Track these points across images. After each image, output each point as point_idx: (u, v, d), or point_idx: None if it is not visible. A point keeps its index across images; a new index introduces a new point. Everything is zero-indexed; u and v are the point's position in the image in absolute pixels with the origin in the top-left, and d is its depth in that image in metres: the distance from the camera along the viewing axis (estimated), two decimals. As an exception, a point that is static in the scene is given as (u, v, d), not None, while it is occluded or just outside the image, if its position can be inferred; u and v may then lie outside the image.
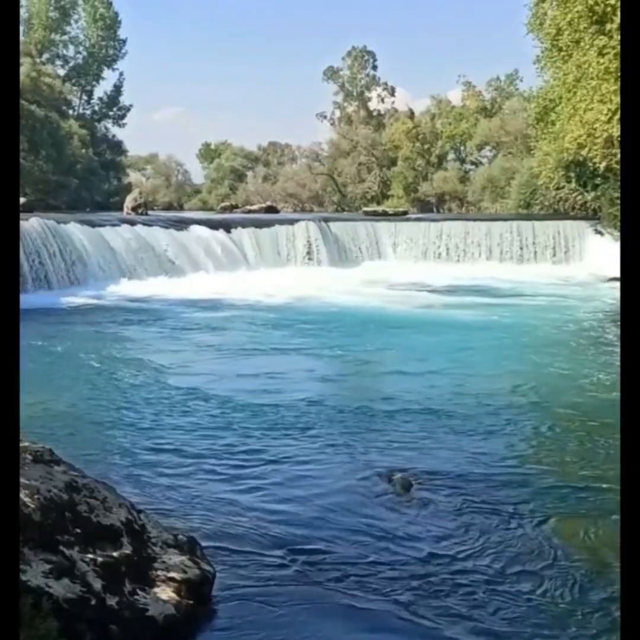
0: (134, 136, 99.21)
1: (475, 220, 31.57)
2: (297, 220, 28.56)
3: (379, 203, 47.78)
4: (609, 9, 19.81)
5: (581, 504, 5.89)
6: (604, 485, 6.11)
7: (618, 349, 10.32)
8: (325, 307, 18.19)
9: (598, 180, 29.82)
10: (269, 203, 41.33)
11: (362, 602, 4.44)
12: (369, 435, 7.72)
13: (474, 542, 5.23)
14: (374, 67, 56.26)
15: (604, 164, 24.31)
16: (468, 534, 5.36)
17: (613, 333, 13.83)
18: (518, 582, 4.71)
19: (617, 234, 26.14)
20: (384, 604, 4.43)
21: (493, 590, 4.58)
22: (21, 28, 42.33)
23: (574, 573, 4.80)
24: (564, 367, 10.85)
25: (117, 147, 51.85)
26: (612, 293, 19.36)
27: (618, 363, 8.74)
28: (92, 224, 22.76)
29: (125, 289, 20.58)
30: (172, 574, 4.17)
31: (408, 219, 32.29)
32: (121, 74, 50.77)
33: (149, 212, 30.44)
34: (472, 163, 50.48)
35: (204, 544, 4.82)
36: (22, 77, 33.88)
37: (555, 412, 8.52)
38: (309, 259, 27.31)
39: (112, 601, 3.74)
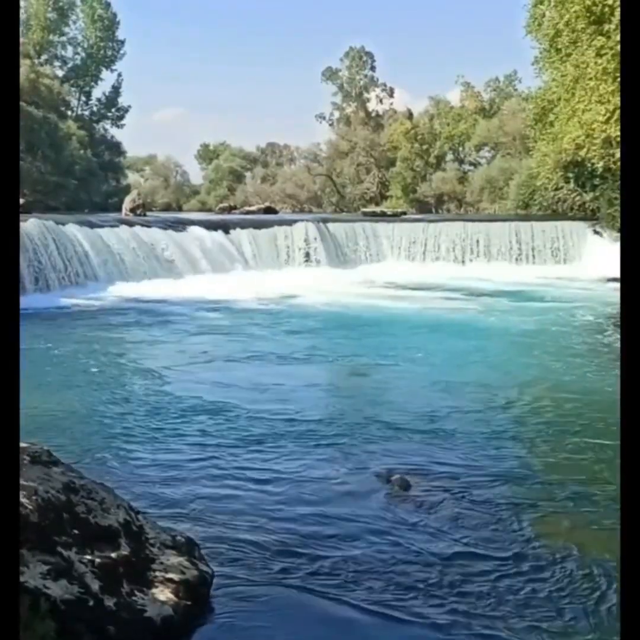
0: (133, 137, 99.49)
1: (474, 221, 31.58)
2: (295, 221, 28.54)
3: (377, 204, 47.85)
4: (606, 9, 19.85)
5: None
6: None
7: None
8: (332, 309, 18.00)
9: (596, 181, 29.89)
10: (267, 204, 41.34)
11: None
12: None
13: None
14: (373, 68, 56.40)
15: (602, 164, 24.38)
16: None
17: None
18: None
19: (616, 234, 26.16)
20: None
21: None
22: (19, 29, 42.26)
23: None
24: (599, 378, 10.18)
25: (116, 148, 51.87)
26: (617, 295, 19.13)
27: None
28: (91, 225, 22.73)
29: (124, 290, 20.55)
30: (170, 575, 4.16)
31: (407, 220, 32.29)
32: (120, 74, 50.92)
33: (148, 213, 30.41)
34: (471, 164, 50.52)
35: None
36: (20, 78, 33.84)
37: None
38: (308, 260, 27.31)
39: (110, 602, 3.73)
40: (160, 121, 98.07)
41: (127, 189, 43.62)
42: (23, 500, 3.67)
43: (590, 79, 20.92)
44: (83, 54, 49.51)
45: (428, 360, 11.68)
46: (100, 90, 51.00)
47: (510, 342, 13.65)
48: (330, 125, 57.86)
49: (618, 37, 18.63)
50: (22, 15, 45.39)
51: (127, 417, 8.31)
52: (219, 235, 25.80)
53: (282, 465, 6.70)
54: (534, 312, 17.37)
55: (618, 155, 21.32)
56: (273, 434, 7.61)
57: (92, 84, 50.36)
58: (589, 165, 26.56)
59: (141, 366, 11.20)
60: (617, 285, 19.70)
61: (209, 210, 50.07)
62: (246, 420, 8.15)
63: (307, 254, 27.37)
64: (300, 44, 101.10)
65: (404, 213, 36.94)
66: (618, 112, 19.54)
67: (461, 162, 50.69)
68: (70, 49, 49.53)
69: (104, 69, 50.17)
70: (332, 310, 17.89)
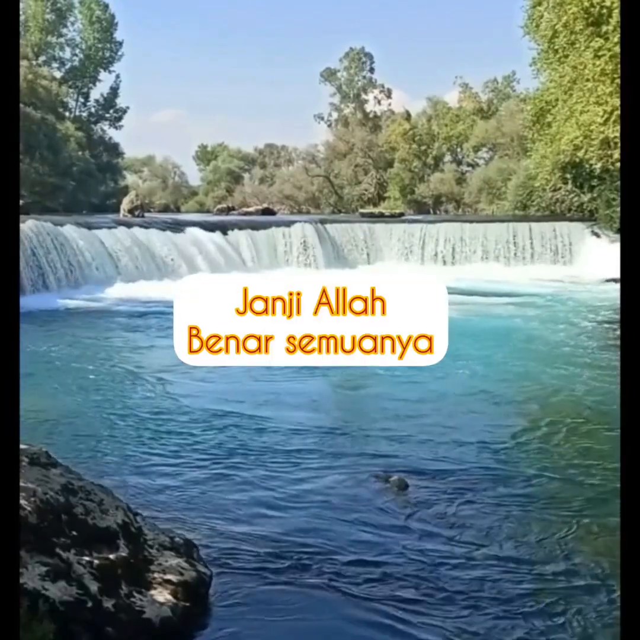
0: (131, 138, 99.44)
1: (472, 221, 31.56)
2: (293, 222, 28.53)
3: (375, 205, 47.80)
4: (604, 10, 19.89)
5: None
6: None
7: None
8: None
9: (594, 182, 29.90)
10: (265, 205, 41.32)
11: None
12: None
13: None
14: (371, 69, 56.28)
15: (600, 165, 24.41)
16: None
17: None
18: None
19: (614, 235, 26.14)
20: None
21: None
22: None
23: None
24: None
25: (114, 149, 51.82)
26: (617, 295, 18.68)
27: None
28: (89, 226, 22.71)
29: (122, 291, 20.52)
30: (168, 576, 4.15)
31: (405, 221, 32.27)
32: (118, 76, 50.79)
33: (146, 214, 30.39)
34: (469, 165, 50.51)
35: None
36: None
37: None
38: (306, 261, 27.30)
39: (108, 603, 3.73)
40: (159, 122, 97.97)
41: (125, 190, 43.50)
42: (22, 501, 3.66)
43: (588, 80, 20.97)
44: (81, 56, 49.43)
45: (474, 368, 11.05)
46: (98, 92, 50.95)
47: (535, 350, 13.12)
48: (328, 126, 57.83)
49: (616, 39, 18.67)
50: (21, 17, 45.37)
51: (125, 424, 8.18)
52: (217, 236, 25.78)
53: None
54: (546, 316, 16.81)
55: (616, 156, 21.37)
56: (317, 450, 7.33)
57: (90, 85, 50.27)
58: (587, 166, 26.56)
59: (138, 370, 10.99)
60: (618, 285, 19.51)
61: (207, 211, 50.00)
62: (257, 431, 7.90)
63: (305, 255, 27.38)
64: (299, 44, 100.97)
65: (402, 214, 36.92)
66: (616, 113, 19.57)
67: (459, 163, 50.67)
68: (68, 50, 49.45)
69: (102, 70, 50.08)
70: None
